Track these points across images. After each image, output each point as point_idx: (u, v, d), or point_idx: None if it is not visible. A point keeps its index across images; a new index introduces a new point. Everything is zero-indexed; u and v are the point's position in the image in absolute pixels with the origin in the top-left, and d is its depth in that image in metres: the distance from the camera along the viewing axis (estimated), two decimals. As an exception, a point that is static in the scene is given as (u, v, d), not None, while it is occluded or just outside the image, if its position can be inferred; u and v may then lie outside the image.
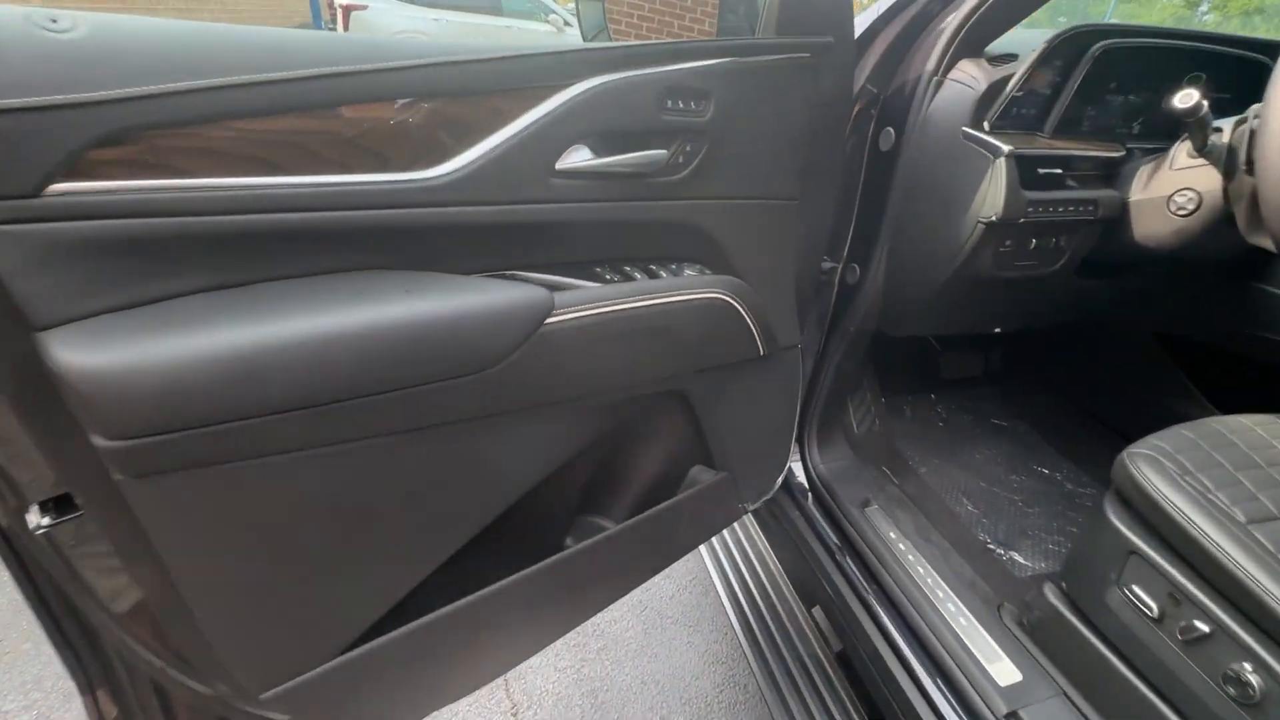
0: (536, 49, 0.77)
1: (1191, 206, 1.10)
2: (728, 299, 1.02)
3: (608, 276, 0.92)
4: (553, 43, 2.07)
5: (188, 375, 0.60)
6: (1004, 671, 1.12)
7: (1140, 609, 0.95)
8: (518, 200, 0.77)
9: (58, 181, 0.55)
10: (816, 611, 1.46)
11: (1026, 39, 1.31)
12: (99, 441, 0.58)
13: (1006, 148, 1.16)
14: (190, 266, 0.63)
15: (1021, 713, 1.05)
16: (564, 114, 0.77)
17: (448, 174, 0.72)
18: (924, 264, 1.30)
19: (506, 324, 0.76)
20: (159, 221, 0.59)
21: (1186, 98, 1.02)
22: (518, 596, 0.96)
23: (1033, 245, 1.24)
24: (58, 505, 0.69)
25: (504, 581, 0.94)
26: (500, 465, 0.88)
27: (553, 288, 0.82)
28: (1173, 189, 1.15)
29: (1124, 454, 1.01)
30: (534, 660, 1.71)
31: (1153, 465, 0.98)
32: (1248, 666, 0.82)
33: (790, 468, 1.58)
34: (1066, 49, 1.22)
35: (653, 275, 0.97)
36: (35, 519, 0.68)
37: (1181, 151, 1.16)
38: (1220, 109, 1.14)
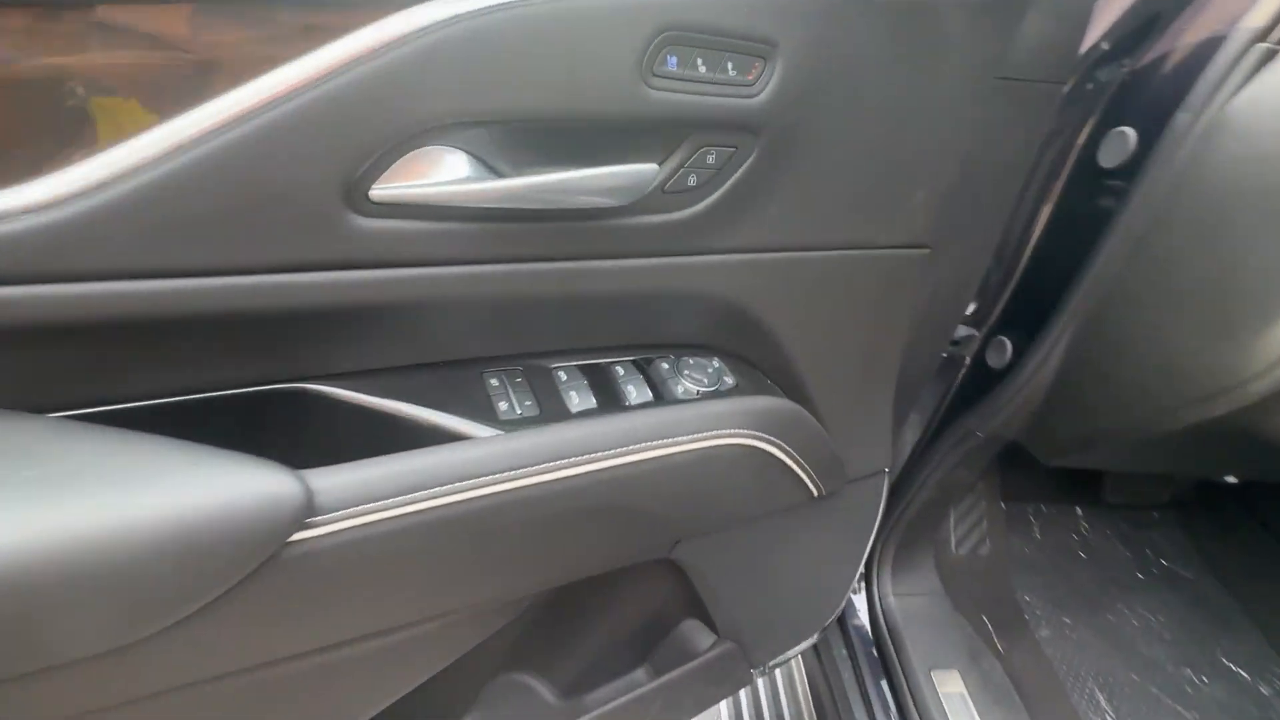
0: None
1: None
2: (761, 445, 0.57)
3: (515, 382, 0.51)
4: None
5: None
6: None
7: None
8: (256, 267, 0.37)
9: None
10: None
11: None
12: None
13: None
14: None
15: None
16: (391, 73, 0.36)
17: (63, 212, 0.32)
18: (1157, 381, 0.76)
19: (192, 557, 0.36)
20: None
21: None
22: None
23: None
24: None
25: None
26: None
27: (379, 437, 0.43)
28: None
29: None
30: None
31: None
32: None
33: (849, 597, 1.14)
34: None
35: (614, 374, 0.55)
36: None
37: None
38: None
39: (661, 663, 0.83)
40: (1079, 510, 1.34)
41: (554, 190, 0.42)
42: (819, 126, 0.51)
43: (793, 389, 0.65)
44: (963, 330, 0.96)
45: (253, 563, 0.36)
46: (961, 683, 1.01)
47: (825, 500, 0.74)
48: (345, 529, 0.40)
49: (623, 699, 0.74)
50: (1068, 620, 1.17)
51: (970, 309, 0.94)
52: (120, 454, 0.35)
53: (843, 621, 1.11)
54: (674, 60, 0.43)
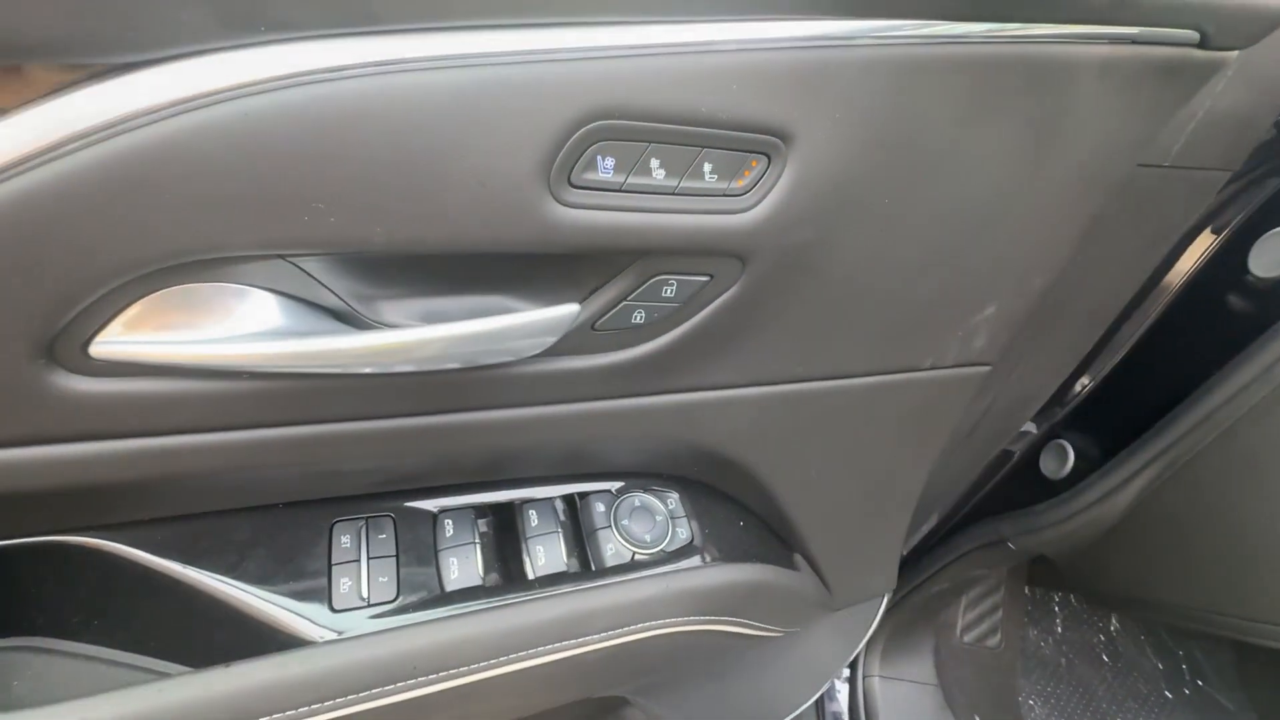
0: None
1: None
2: (710, 627, 0.45)
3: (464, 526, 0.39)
4: None
5: None
6: None
7: None
8: None
9: None
10: None
11: None
12: None
13: None
14: None
15: None
16: (87, 185, 0.24)
17: None
18: (1264, 580, 0.59)
19: None
20: None
21: None
22: None
23: None
24: None
25: None
26: None
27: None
28: None
29: None
30: None
31: None
32: None
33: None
34: None
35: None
36: None
37: None
38: None
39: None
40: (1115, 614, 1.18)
41: (392, 354, 0.28)
42: (847, 245, 0.35)
43: (778, 521, 0.51)
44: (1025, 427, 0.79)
45: None
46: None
47: (800, 633, 0.61)
48: None
49: None
50: (1073, 735, 1.04)
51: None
52: None
53: (820, 703, 1.01)
54: (608, 164, 0.27)
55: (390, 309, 0.30)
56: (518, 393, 0.34)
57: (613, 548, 0.43)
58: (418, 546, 0.39)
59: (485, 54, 0.24)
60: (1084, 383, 0.73)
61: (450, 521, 0.40)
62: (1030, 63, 0.33)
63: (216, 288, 0.26)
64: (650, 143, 0.28)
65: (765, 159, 0.30)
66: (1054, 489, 0.76)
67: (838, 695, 1.03)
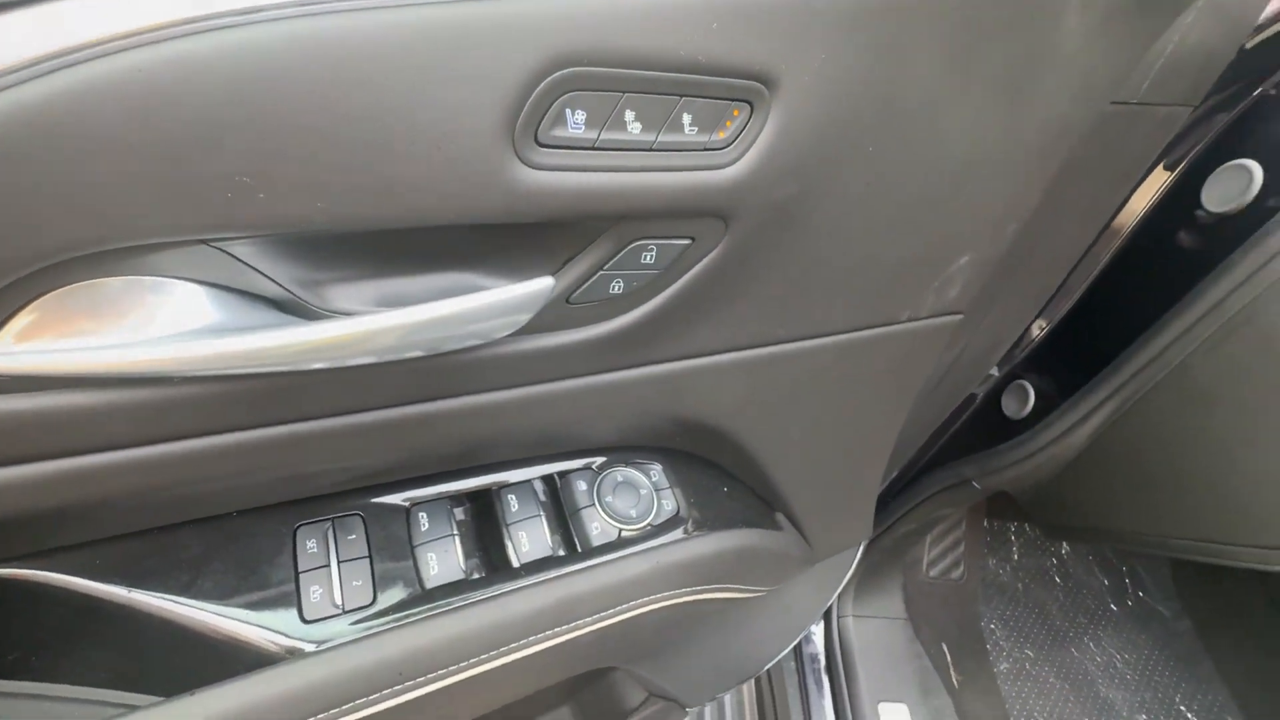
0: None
1: None
2: (698, 596, 0.44)
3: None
4: None
5: None
6: None
7: None
8: None
9: None
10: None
11: None
12: None
13: None
14: None
15: None
16: None
17: None
18: (1219, 505, 0.62)
19: None
20: None
21: None
22: None
23: None
24: None
25: None
26: None
27: None
28: None
29: None
30: None
31: None
32: None
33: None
34: None
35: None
36: None
37: None
38: None
39: (591, 714, 0.76)
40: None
41: (345, 346, 0.25)
42: (830, 198, 0.33)
43: (760, 483, 0.51)
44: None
45: None
46: (909, 719, 0.96)
47: (782, 588, 0.62)
48: None
49: None
50: (1030, 653, 1.11)
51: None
52: None
53: (798, 648, 1.05)
54: (579, 118, 0.24)
55: (340, 294, 0.27)
56: (491, 377, 0.31)
57: (598, 526, 0.41)
58: (392, 544, 0.36)
59: None
60: (1042, 324, 0.74)
61: (424, 514, 0.38)
62: (1012, 1, 0.31)
63: (128, 282, 0.22)
64: (625, 92, 0.25)
65: (748, 108, 0.28)
66: (1016, 429, 0.78)
67: (813, 638, 1.06)
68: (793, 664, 1.05)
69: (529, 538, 0.39)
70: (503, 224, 0.26)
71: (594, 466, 0.44)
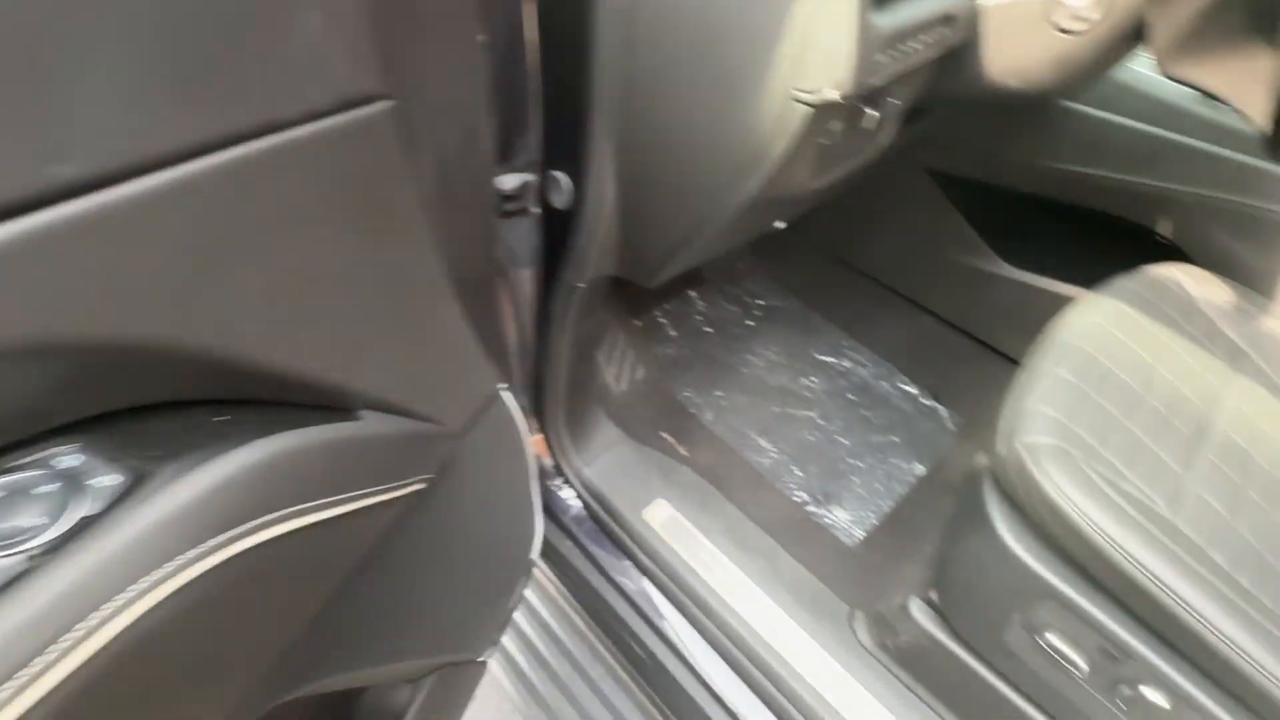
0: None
1: (1095, 16, 0.64)
2: (301, 520, 0.33)
3: None
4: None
5: None
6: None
7: (1062, 663, 0.68)
8: None
9: None
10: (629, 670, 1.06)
11: None
12: None
13: None
14: None
15: None
16: None
17: None
18: (700, 174, 0.70)
19: None
20: None
21: None
22: None
23: (859, 124, 0.70)
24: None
25: None
26: None
27: None
28: None
29: (1016, 444, 0.67)
30: None
31: (1058, 461, 0.65)
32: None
33: (549, 488, 1.06)
34: None
35: None
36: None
37: None
38: None
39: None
40: (692, 292, 1.44)
41: None
42: None
43: (271, 390, 0.40)
44: (515, 180, 0.80)
45: None
46: (669, 506, 1.04)
47: (452, 463, 0.56)
48: None
49: None
50: (719, 393, 1.28)
51: (514, 159, 0.77)
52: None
53: (557, 520, 1.04)
54: None
55: None
56: None
57: None
58: None
59: None
60: (535, 113, 0.76)
61: None
62: None
63: None
64: None
65: None
66: (575, 215, 0.81)
67: (569, 505, 1.07)
68: (565, 538, 1.05)
69: None
70: None
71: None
